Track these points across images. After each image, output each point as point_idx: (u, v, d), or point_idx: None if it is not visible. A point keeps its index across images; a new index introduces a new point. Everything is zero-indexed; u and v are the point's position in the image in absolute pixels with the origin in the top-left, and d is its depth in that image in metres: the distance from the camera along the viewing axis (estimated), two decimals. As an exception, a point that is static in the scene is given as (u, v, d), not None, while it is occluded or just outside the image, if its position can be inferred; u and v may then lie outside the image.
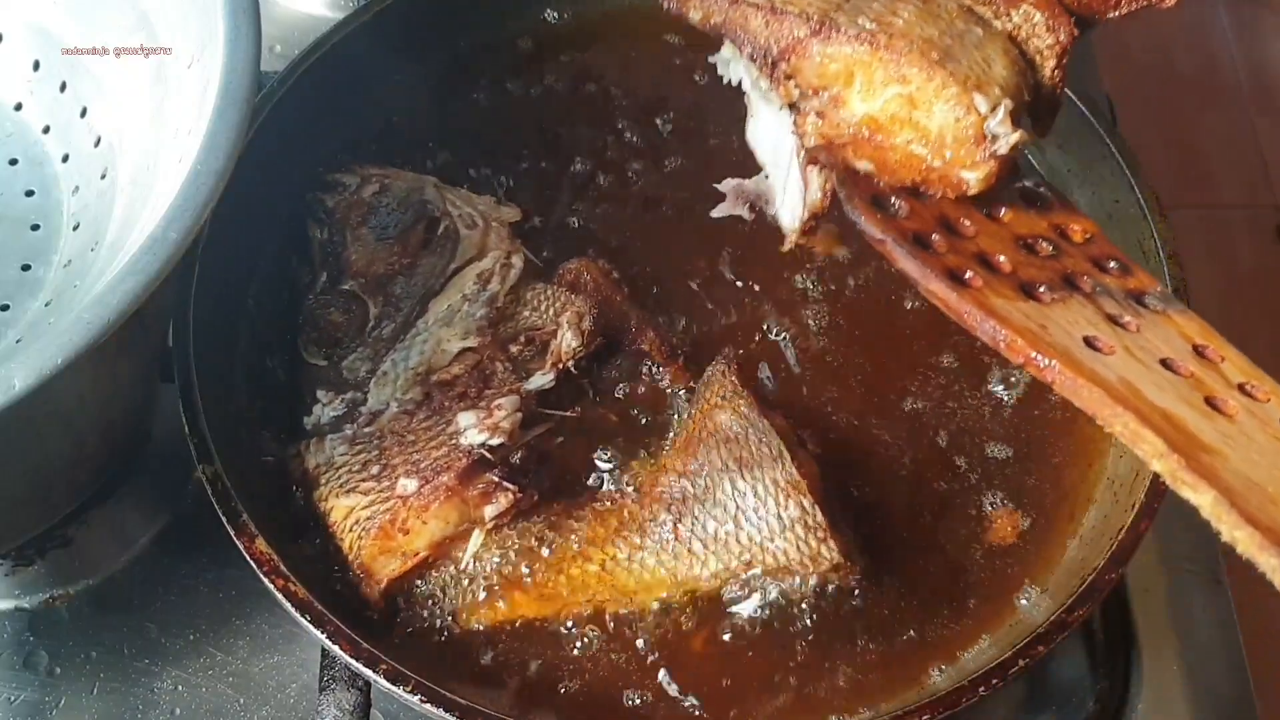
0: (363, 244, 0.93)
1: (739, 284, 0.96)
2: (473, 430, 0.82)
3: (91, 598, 0.93)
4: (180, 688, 0.90)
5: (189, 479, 0.95)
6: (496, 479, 0.82)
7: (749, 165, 0.84)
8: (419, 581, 0.84)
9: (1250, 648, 0.96)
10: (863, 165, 0.72)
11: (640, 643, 0.83)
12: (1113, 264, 0.72)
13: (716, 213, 0.86)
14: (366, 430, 0.86)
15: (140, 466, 0.94)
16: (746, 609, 0.83)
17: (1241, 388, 0.65)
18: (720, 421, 0.85)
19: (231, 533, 0.79)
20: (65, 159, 0.91)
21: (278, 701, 0.90)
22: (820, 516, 0.81)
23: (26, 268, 0.87)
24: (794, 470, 0.82)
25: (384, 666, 0.75)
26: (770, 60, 0.74)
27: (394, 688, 0.75)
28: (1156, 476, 0.82)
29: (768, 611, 0.83)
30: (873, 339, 0.95)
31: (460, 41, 1.08)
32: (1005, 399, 0.92)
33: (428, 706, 0.74)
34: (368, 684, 0.84)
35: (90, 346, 0.64)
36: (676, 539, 0.83)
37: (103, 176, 0.88)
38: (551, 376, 0.87)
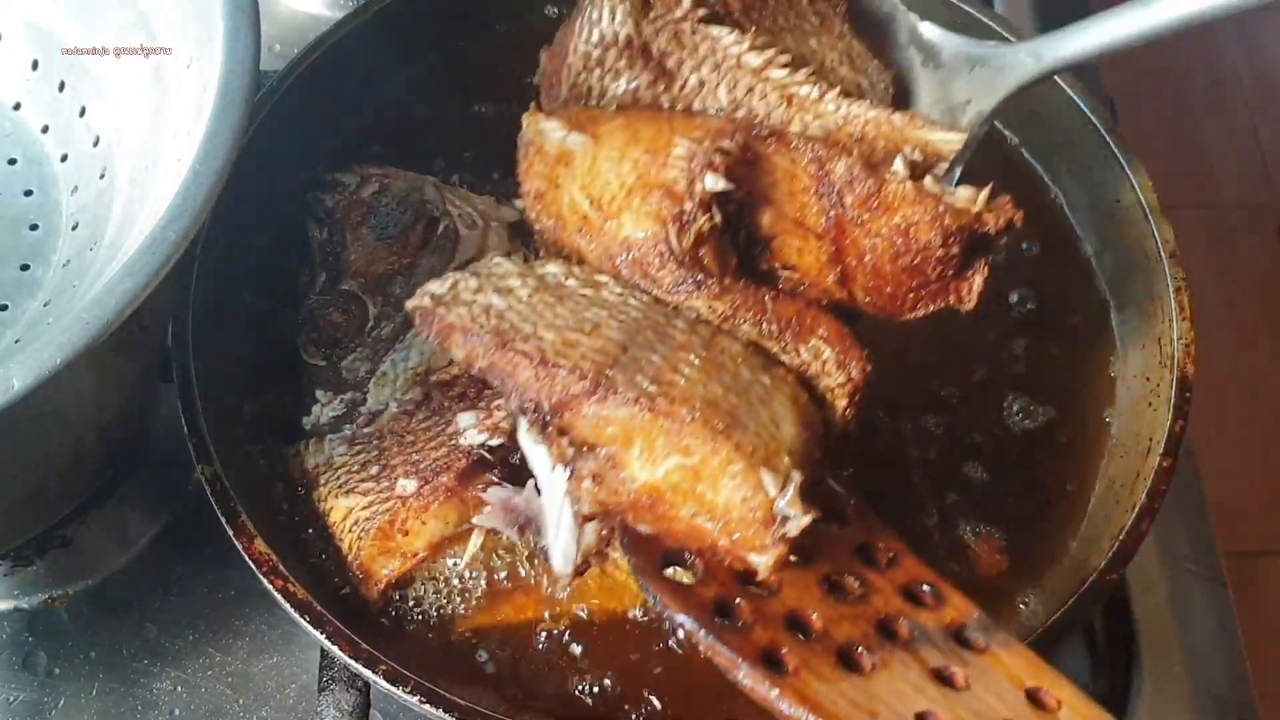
0: (362, 244, 0.92)
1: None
2: (472, 431, 0.82)
3: (91, 598, 0.93)
4: (179, 688, 0.90)
5: (188, 479, 0.95)
6: (496, 479, 0.81)
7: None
8: (418, 582, 0.84)
9: (1250, 648, 0.96)
10: (644, 529, 0.67)
11: (641, 646, 0.82)
12: (925, 588, 0.68)
13: (478, 520, 0.80)
14: (365, 430, 0.85)
15: (139, 466, 0.94)
16: None
17: None
18: None
19: (230, 533, 0.79)
20: (64, 159, 0.91)
21: (277, 702, 0.90)
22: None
23: (25, 267, 0.87)
24: None
25: (383, 667, 0.75)
26: (541, 416, 0.69)
27: (393, 688, 0.75)
28: (1157, 477, 0.82)
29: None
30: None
31: (461, 40, 1.07)
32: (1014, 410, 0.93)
33: (427, 707, 0.74)
34: (367, 684, 0.84)
35: (89, 347, 0.64)
36: None
37: (101, 176, 0.88)
38: None
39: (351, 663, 0.76)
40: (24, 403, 0.62)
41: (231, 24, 0.75)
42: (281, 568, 0.78)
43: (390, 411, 0.86)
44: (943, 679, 0.62)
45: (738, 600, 0.63)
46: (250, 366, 0.91)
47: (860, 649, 0.63)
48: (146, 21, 0.84)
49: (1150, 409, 0.87)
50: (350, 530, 0.82)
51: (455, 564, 0.84)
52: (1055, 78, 0.98)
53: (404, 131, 1.03)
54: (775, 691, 0.60)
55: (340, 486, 0.84)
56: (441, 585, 0.84)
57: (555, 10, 1.09)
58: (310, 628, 0.76)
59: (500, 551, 0.83)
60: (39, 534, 0.89)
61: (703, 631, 0.62)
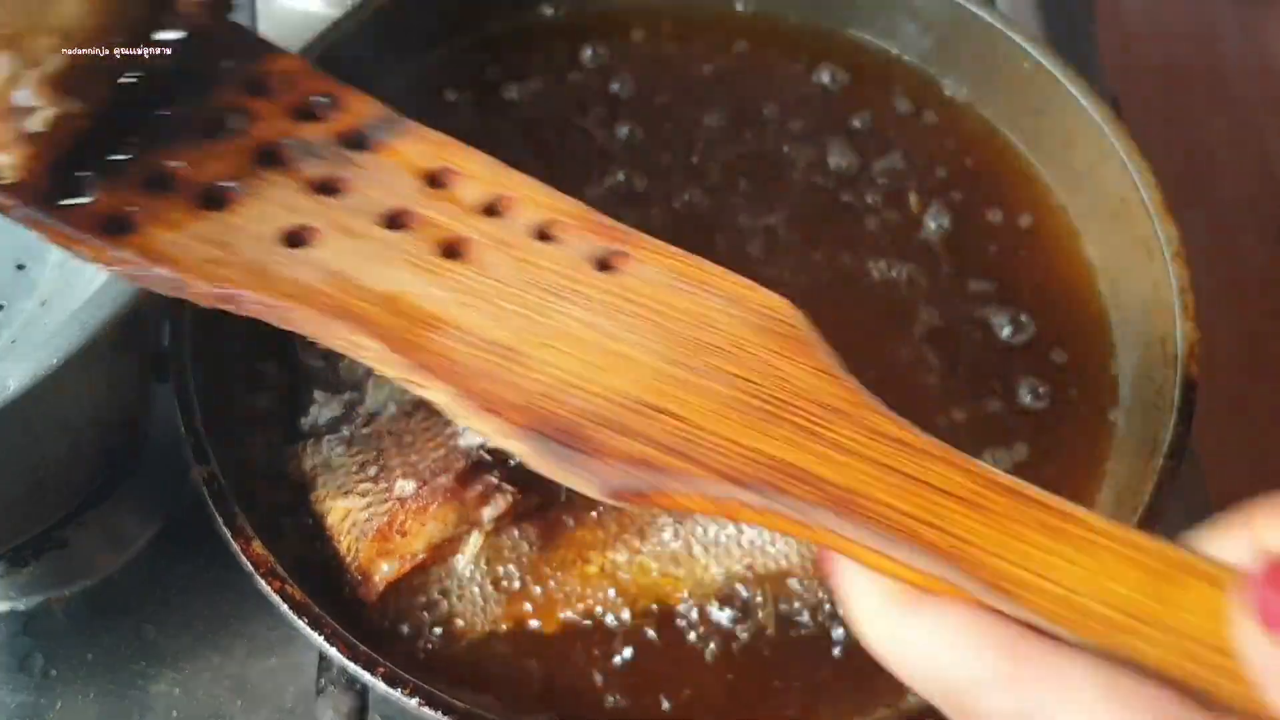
0: None
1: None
2: (470, 432, 0.82)
3: (88, 600, 0.92)
4: (177, 690, 0.90)
5: (185, 480, 0.94)
6: (495, 481, 0.81)
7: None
8: (417, 584, 0.83)
9: (1254, 650, 0.95)
10: None
11: (640, 649, 0.82)
12: (321, 99, 0.60)
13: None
14: (364, 431, 0.85)
15: (136, 468, 0.94)
16: (749, 616, 0.82)
17: (488, 209, 0.56)
18: None
19: (228, 535, 0.78)
20: None
21: (275, 704, 0.89)
22: None
23: (21, 267, 0.86)
24: None
25: (382, 669, 0.75)
26: None
27: (392, 691, 0.74)
28: (1162, 479, 0.82)
29: (772, 620, 0.82)
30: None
31: (462, 39, 1.07)
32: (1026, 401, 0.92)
33: (426, 710, 0.74)
34: (365, 687, 0.84)
35: (85, 347, 0.64)
36: (677, 543, 0.82)
37: None
38: None
39: (350, 665, 0.75)
40: (21, 403, 0.62)
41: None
42: (279, 569, 0.77)
43: (388, 413, 0.86)
44: (325, 190, 0.57)
45: (87, 174, 0.55)
46: (248, 367, 0.91)
47: (229, 183, 0.56)
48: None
49: (1154, 410, 0.87)
50: (348, 532, 0.82)
51: (455, 565, 0.83)
52: (1057, 75, 0.98)
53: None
54: (112, 252, 0.54)
55: (338, 488, 0.83)
56: (440, 588, 0.83)
57: (552, 10, 1.09)
58: (308, 630, 0.76)
59: (499, 554, 0.83)
60: (35, 535, 0.88)
61: (27, 211, 0.54)
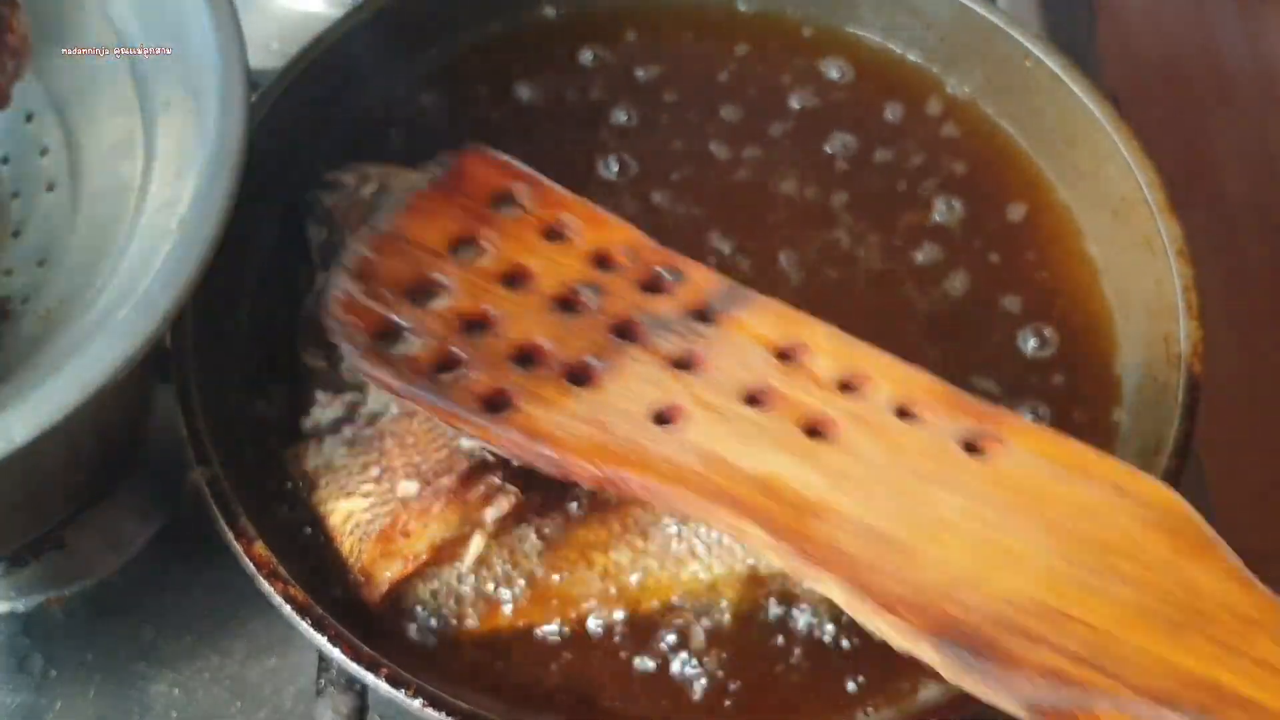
0: None
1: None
2: None
3: (87, 600, 0.92)
4: (176, 691, 0.90)
5: (185, 481, 0.94)
6: (498, 482, 0.81)
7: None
8: (419, 585, 0.83)
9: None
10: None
11: (643, 650, 0.82)
12: (664, 273, 0.63)
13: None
14: (366, 432, 0.85)
15: (136, 468, 0.94)
16: (754, 617, 0.82)
17: (843, 385, 0.56)
18: None
19: (230, 536, 0.78)
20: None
21: (274, 705, 0.89)
22: None
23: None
24: None
25: (385, 670, 0.75)
26: None
27: (395, 692, 0.74)
28: (1166, 477, 0.81)
29: (772, 619, 0.82)
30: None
31: (463, 39, 1.07)
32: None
33: (429, 711, 0.74)
34: (365, 687, 0.84)
35: (85, 403, 0.65)
36: (680, 542, 0.82)
37: (49, 190, 0.86)
38: None
39: (353, 666, 0.75)
40: (23, 451, 0.64)
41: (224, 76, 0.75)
42: (281, 570, 0.77)
43: (391, 413, 0.85)
44: (682, 365, 0.58)
45: (454, 349, 0.59)
46: (249, 368, 0.91)
47: (591, 358, 0.58)
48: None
49: (1158, 408, 0.87)
50: (351, 533, 0.82)
51: (457, 566, 0.83)
52: (1058, 73, 0.97)
53: (405, 131, 1.03)
54: (496, 431, 0.57)
55: (340, 489, 0.83)
56: (443, 589, 0.83)
57: (554, 11, 1.09)
58: (311, 631, 0.76)
59: (502, 555, 0.83)
60: (35, 536, 0.88)
61: (417, 391, 0.58)
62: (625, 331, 0.59)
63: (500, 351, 0.60)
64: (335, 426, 0.87)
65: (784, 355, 0.58)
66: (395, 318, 0.58)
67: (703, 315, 0.60)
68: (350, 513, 0.82)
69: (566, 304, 0.61)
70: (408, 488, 0.81)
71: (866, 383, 0.56)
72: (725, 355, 0.58)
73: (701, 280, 0.62)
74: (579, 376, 0.58)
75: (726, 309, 0.60)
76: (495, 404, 0.58)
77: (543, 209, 0.64)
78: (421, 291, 0.60)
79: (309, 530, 0.84)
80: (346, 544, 0.82)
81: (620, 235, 0.64)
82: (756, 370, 0.57)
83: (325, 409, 0.88)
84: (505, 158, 0.66)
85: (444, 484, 0.81)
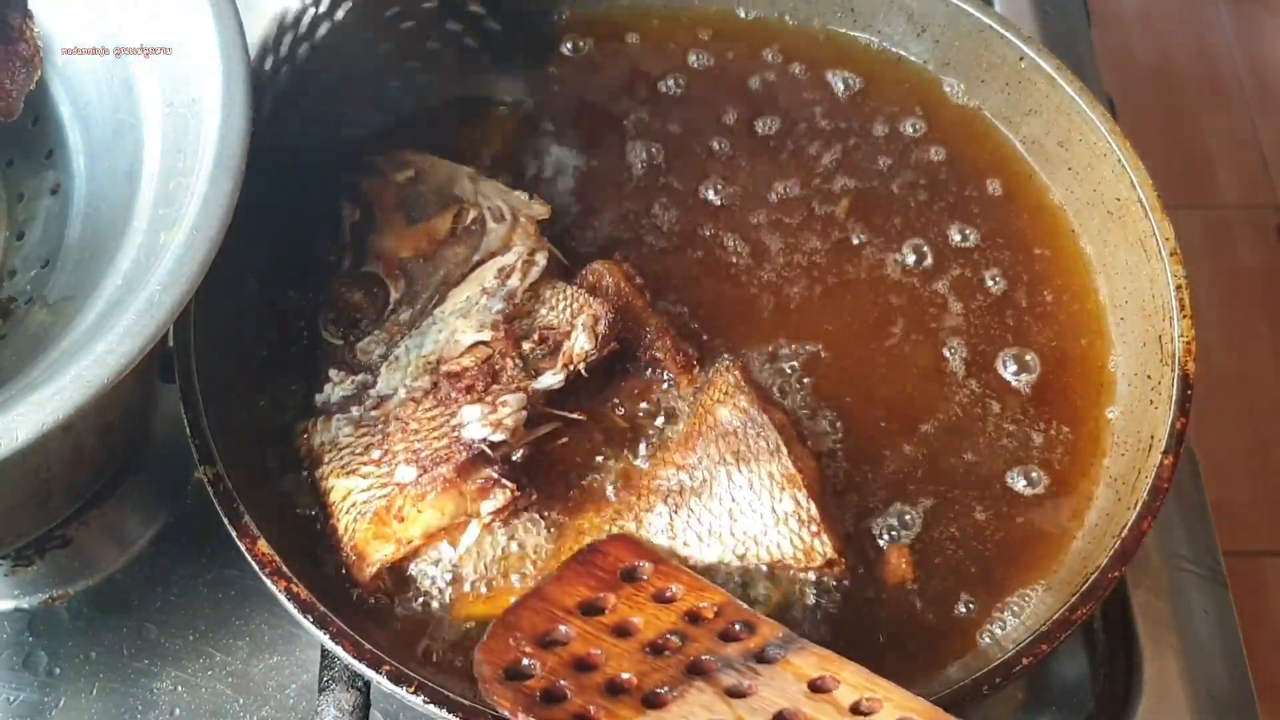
0: (391, 228, 0.93)
1: (761, 285, 0.97)
2: (476, 424, 0.82)
3: (91, 598, 0.92)
4: (180, 688, 0.90)
5: (189, 479, 0.95)
6: (495, 475, 0.82)
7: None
8: (417, 578, 0.84)
9: (1250, 648, 0.96)
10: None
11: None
12: (739, 627, 0.76)
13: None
14: (372, 414, 0.86)
15: (140, 466, 0.94)
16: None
17: (854, 708, 0.70)
18: (720, 416, 0.85)
19: (234, 534, 0.78)
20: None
21: (277, 702, 0.90)
22: (815, 511, 0.82)
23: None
24: (790, 464, 0.82)
25: (387, 667, 0.75)
26: None
27: (397, 688, 0.75)
28: (1159, 475, 0.82)
29: (764, 612, 0.82)
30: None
31: (464, 39, 1.07)
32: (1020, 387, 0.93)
33: (431, 707, 0.74)
34: (367, 684, 0.84)
35: (88, 403, 0.66)
36: (672, 531, 0.83)
37: (53, 192, 0.87)
38: (561, 377, 0.86)
39: (355, 663, 0.76)
40: (24, 451, 0.65)
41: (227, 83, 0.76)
42: (284, 568, 0.78)
43: (398, 397, 0.86)
44: (735, 694, 0.72)
45: (563, 682, 0.73)
46: (253, 367, 0.91)
47: (665, 689, 0.72)
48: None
49: (1151, 406, 0.87)
50: (347, 511, 0.83)
51: (453, 555, 0.83)
52: (1054, 75, 0.98)
53: (408, 129, 1.03)
54: None
55: (342, 467, 0.84)
56: (441, 579, 0.84)
57: (556, 15, 1.09)
58: (314, 628, 0.76)
59: (497, 545, 0.83)
60: (39, 534, 0.89)
61: (528, 716, 0.72)
62: (697, 668, 0.74)
63: (597, 684, 0.73)
64: (344, 405, 0.88)
65: (815, 687, 0.72)
66: (524, 660, 0.74)
67: (760, 656, 0.74)
68: (349, 491, 0.83)
69: (657, 648, 0.75)
70: (406, 473, 0.82)
71: (876, 706, 0.70)
72: (769, 687, 0.72)
73: (767, 631, 0.75)
74: (652, 701, 0.72)
75: (781, 653, 0.74)
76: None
77: (659, 580, 0.79)
78: (548, 639, 0.76)
79: (309, 527, 0.85)
80: (343, 522, 0.83)
81: (713, 598, 0.78)
82: (790, 697, 0.71)
83: (337, 386, 0.88)
84: (644, 544, 0.82)
85: (441, 473, 0.81)
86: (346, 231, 0.94)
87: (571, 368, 0.86)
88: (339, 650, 0.76)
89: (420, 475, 0.81)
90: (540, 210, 0.95)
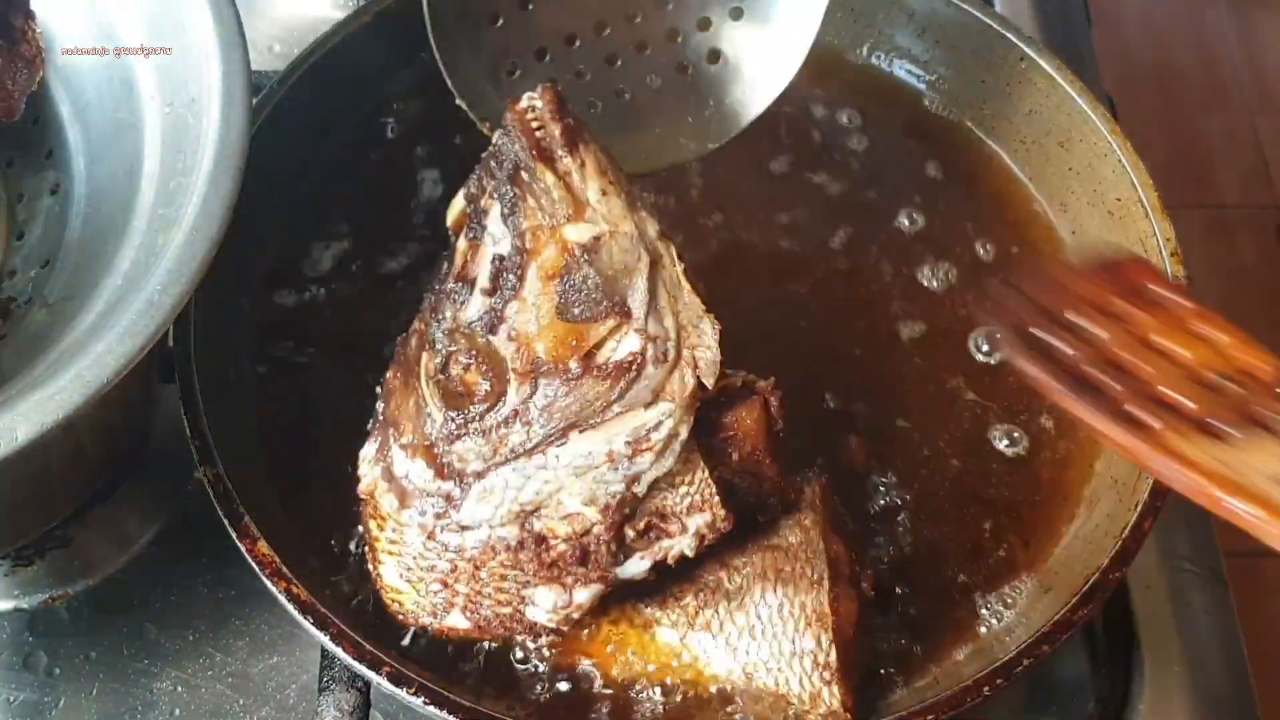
0: (539, 308, 0.78)
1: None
2: (544, 612, 0.78)
3: (91, 598, 0.92)
4: (179, 688, 0.90)
5: (189, 479, 0.95)
6: (533, 646, 0.83)
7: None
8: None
9: (1250, 648, 0.96)
10: None
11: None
12: None
13: None
14: (447, 539, 0.79)
15: (140, 467, 0.94)
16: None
17: None
18: (780, 527, 0.81)
19: (234, 535, 0.78)
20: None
21: (277, 702, 0.90)
22: (833, 657, 0.78)
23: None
24: (825, 601, 0.78)
25: (387, 668, 0.75)
26: None
27: (397, 689, 0.75)
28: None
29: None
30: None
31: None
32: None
33: (431, 708, 0.74)
34: (367, 684, 0.84)
35: (88, 403, 0.66)
36: (691, 623, 0.80)
37: (53, 192, 0.87)
38: (647, 568, 0.79)
39: (355, 664, 0.76)
40: (25, 450, 0.65)
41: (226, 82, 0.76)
42: (284, 569, 0.78)
43: (478, 536, 0.78)
44: None
45: (1098, 375, 0.67)
46: (252, 366, 0.91)
47: (1223, 426, 0.66)
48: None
49: (1152, 408, 0.87)
50: (385, 591, 0.81)
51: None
52: (1054, 75, 0.98)
53: (406, 135, 1.03)
54: (1138, 444, 0.65)
55: (397, 564, 0.80)
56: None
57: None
58: (314, 629, 0.76)
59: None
60: (40, 534, 0.89)
61: (1062, 389, 0.66)
62: (1257, 420, 0.67)
63: (1141, 392, 0.67)
64: (421, 509, 0.79)
65: None
66: (1042, 331, 0.68)
67: None
68: (395, 588, 0.81)
69: (1204, 383, 0.68)
70: (457, 621, 0.79)
71: None
72: None
73: None
74: (1213, 433, 0.66)
75: None
76: (1133, 424, 0.66)
77: (1199, 321, 0.72)
78: (1066, 327, 0.69)
79: (311, 528, 0.85)
80: (380, 585, 0.81)
81: (1271, 361, 0.71)
82: None
83: (424, 499, 0.79)
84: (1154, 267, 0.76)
85: (491, 632, 0.80)
86: (486, 260, 0.79)
87: (661, 563, 0.80)
88: (339, 651, 0.76)
89: (470, 630, 0.79)
90: (709, 355, 0.77)
